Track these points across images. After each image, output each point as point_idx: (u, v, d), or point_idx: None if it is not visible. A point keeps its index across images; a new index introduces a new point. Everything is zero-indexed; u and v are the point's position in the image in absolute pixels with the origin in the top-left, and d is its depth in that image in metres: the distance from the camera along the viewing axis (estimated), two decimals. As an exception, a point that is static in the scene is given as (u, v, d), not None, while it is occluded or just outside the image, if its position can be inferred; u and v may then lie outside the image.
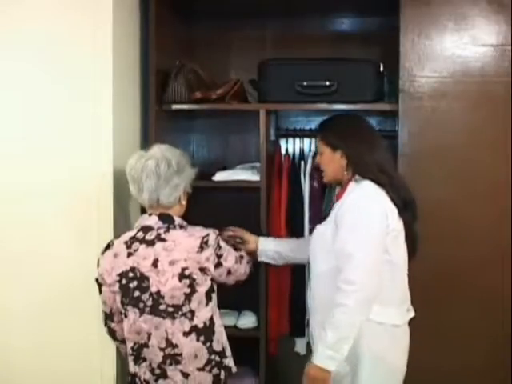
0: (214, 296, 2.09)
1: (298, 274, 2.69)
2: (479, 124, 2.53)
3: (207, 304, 2.04)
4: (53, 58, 2.39)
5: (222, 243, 2.10)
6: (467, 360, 2.55)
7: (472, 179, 2.54)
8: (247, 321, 2.79)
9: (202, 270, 2.01)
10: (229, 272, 2.10)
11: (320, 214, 2.67)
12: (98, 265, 2.09)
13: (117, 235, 2.23)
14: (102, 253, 2.10)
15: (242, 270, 2.19)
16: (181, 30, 2.94)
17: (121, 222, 2.44)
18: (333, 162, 2.23)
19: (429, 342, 2.51)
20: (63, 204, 2.40)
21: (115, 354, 2.38)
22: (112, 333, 2.21)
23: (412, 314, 2.23)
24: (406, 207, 2.14)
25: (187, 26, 3.01)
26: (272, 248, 2.47)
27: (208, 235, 2.03)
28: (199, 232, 2.04)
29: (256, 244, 2.46)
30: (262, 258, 2.48)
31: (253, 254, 2.44)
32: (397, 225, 2.11)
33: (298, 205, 2.74)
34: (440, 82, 2.53)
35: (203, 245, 2.01)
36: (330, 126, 2.29)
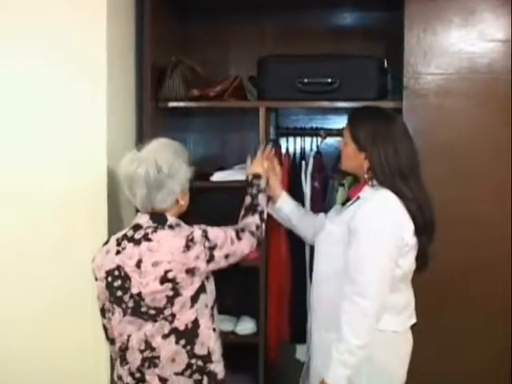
0: (203, 296, 2.00)
1: (300, 277, 2.69)
2: (486, 122, 2.51)
3: (192, 306, 1.97)
4: (43, 54, 2.35)
5: (211, 234, 1.99)
6: (470, 364, 2.54)
7: (479, 179, 2.52)
8: (246, 326, 2.77)
9: (189, 271, 1.94)
10: (226, 257, 2.02)
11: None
12: (93, 259, 2.08)
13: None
14: (99, 248, 2.09)
15: (242, 246, 2.07)
16: (177, 25, 2.92)
17: (115, 224, 2.41)
18: (355, 160, 2.16)
19: (431, 346, 2.50)
20: (55, 205, 2.38)
21: (109, 357, 2.35)
22: (104, 330, 2.17)
23: (414, 319, 2.19)
24: (424, 228, 2.09)
25: (184, 20, 2.98)
26: (287, 211, 2.45)
27: (192, 233, 1.96)
28: (184, 231, 1.98)
29: (278, 197, 2.44)
30: (271, 212, 2.45)
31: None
32: (410, 240, 2.07)
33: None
34: (446, 79, 2.51)
35: (189, 243, 1.94)
36: (362, 120, 2.18)
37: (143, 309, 1.97)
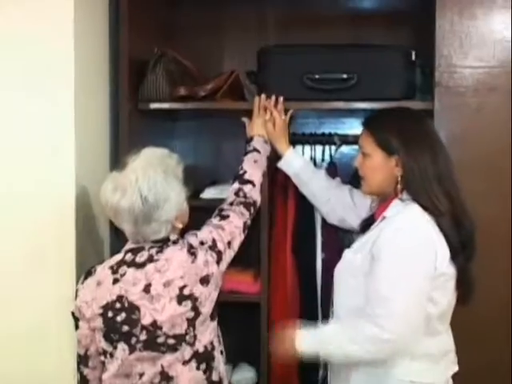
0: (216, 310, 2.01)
1: (310, 314, 2.47)
2: (536, 126, 2.37)
3: (210, 324, 1.94)
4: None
5: (202, 235, 1.99)
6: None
7: (526, 194, 2.36)
8: (244, 376, 2.66)
9: (204, 280, 1.90)
10: (229, 244, 2.02)
11: (335, 240, 2.48)
12: (76, 295, 1.96)
13: (80, 265, 2.15)
14: (82, 282, 1.97)
15: (233, 222, 2.07)
16: (161, 10, 2.78)
17: (86, 250, 2.29)
18: (383, 170, 1.99)
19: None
20: (16, 224, 2.24)
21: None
22: (84, 382, 2.02)
23: (456, 368, 2.01)
24: (462, 248, 1.92)
25: (169, 5, 2.83)
26: (291, 173, 2.39)
27: (189, 241, 1.96)
28: (183, 243, 1.96)
29: (281, 155, 2.40)
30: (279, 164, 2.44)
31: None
32: (448, 268, 1.90)
33: (308, 229, 2.54)
34: (487, 74, 2.36)
35: (192, 251, 1.92)
36: (385, 122, 2.04)
37: (160, 339, 1.87)
